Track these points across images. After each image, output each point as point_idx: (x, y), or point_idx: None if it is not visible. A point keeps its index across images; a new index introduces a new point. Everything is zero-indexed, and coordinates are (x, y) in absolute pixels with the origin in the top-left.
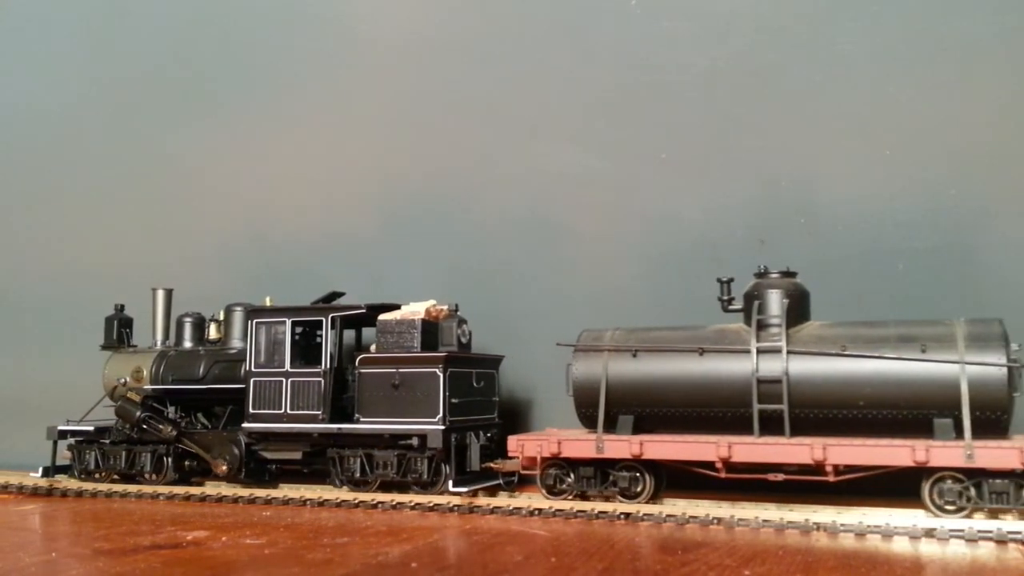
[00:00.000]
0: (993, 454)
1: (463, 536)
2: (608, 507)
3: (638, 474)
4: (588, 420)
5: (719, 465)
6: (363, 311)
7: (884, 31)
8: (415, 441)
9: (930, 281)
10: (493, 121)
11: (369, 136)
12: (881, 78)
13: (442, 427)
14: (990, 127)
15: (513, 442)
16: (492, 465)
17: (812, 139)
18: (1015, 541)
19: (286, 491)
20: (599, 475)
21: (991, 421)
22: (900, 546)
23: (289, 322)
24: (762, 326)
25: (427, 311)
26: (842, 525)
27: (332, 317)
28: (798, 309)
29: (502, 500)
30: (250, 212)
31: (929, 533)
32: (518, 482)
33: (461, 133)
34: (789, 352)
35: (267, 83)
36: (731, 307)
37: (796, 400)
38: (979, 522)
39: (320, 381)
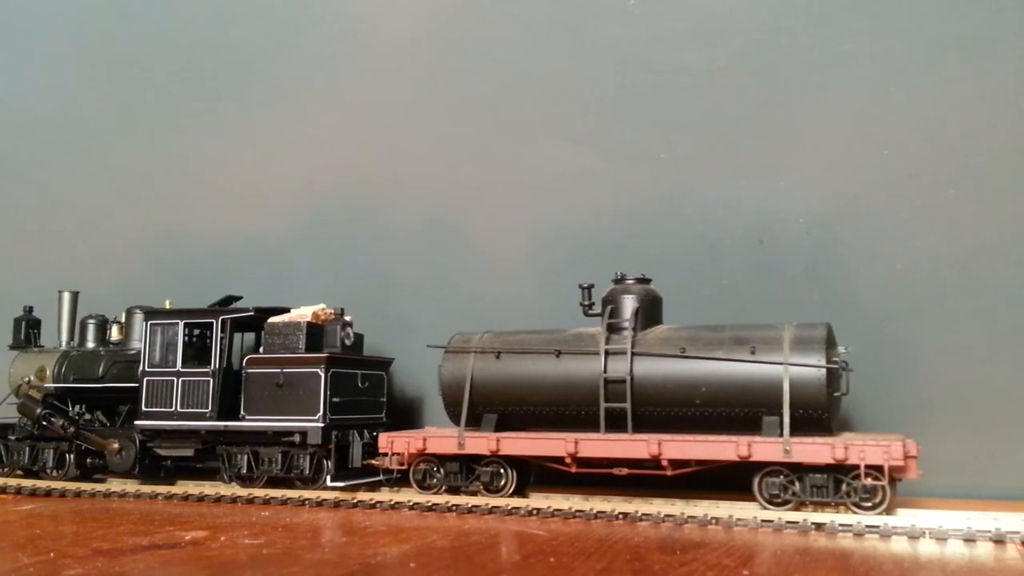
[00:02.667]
0: (808, 450)
1: (461, 536)
2: (606, 507)
3: (501, 469)
4: (455, 418)
5: (568, 460)
6: (251, 314)
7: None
8: (297, 438)
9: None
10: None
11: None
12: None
13: (322, 424)
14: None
15: (384, 439)
16: (372, 462)
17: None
18: (1014, 541)
19: (285, 492)
20: (465, 470)
21: (814, 419)
22: (898, 546)
23: (181, 324)
24: (614, 329)
25: (315, 314)
26: (840, 525)
27: (222, 320)
28: (649, 313)
29: (501, 500)
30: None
31: (928, 533)
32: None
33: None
34: (634, 354)
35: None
36: (591, 312)
37: (639, 399)
38: (977, 521)
39: (209, 380)
